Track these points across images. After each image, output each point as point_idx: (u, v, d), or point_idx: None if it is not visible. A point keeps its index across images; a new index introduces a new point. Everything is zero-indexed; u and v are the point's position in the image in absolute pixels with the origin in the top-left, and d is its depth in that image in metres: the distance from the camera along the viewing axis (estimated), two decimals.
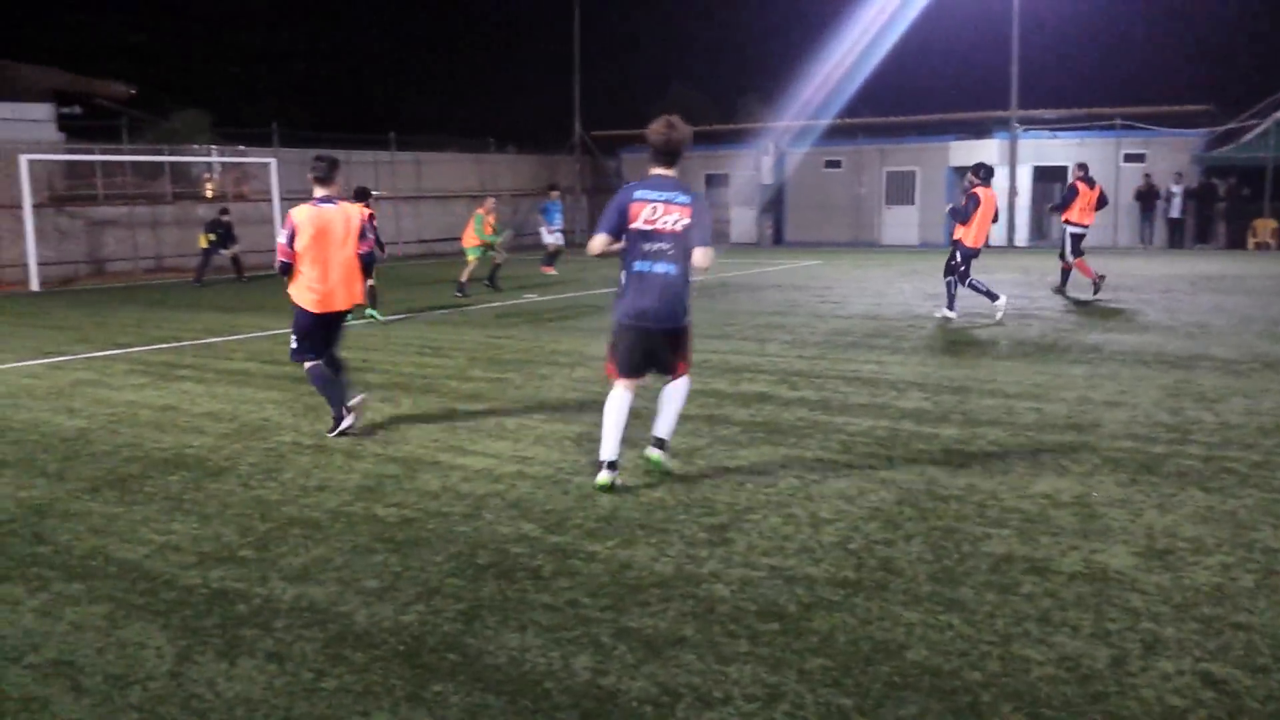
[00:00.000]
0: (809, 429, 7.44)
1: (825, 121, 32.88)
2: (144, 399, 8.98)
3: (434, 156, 32.20)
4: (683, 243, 5.89)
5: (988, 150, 31.45)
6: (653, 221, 5.87)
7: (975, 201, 13.43)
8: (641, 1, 46.38)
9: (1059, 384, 8.95)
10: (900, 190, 33.03)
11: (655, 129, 5.95)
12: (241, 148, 27.12)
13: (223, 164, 27.20)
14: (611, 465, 6.03)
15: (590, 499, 5.83)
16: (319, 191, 7.52)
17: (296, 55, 44.85)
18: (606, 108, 37.51)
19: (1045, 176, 31.98)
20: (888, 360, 10.34)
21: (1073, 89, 32.24)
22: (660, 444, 6.30)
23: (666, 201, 5.88)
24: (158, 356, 11.45)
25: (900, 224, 33.00)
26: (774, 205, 34.28)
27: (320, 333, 7.54)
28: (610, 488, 5.99)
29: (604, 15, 38.99)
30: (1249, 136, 27.77)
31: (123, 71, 32.15)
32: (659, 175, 5.97)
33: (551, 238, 21.39)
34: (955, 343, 11.39)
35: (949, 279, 13.74)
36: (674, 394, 6.25)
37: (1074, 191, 16.41)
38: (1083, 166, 17.18)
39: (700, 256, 5.86)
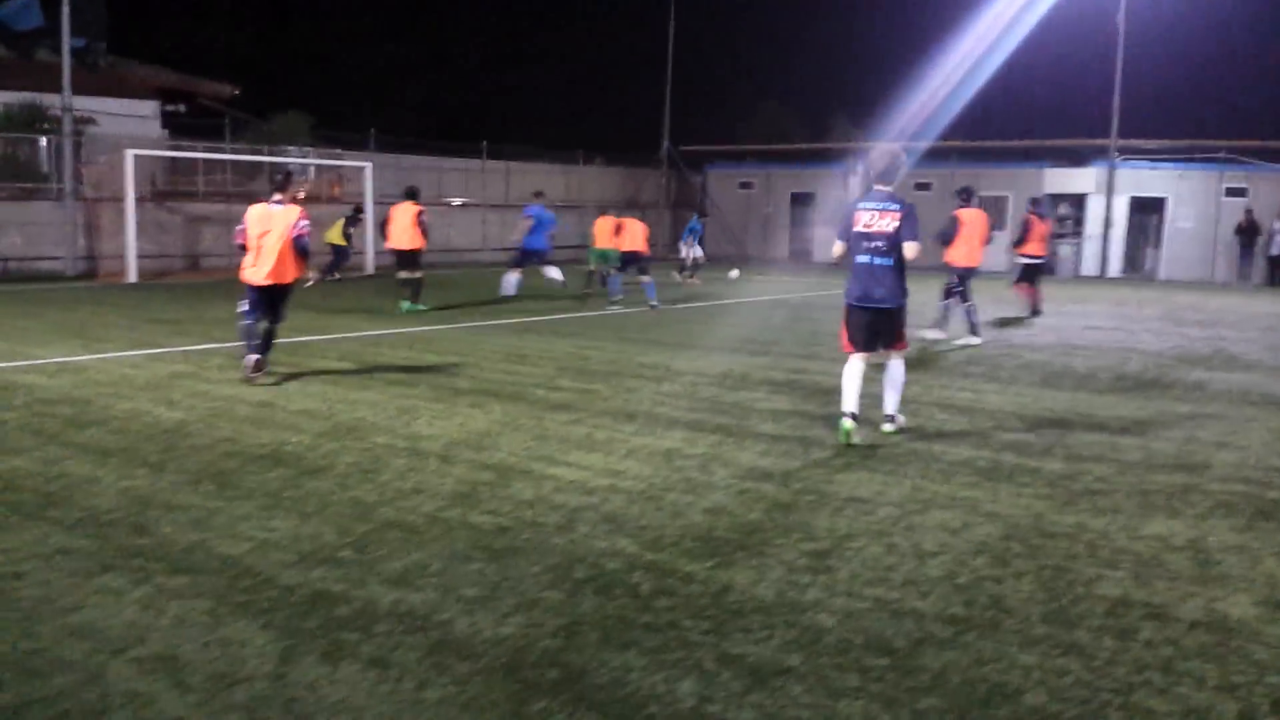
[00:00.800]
0: (906, 456, 7.26)
1: (916, 143, 32.49)
2: (240, 394, 9.12)
3: (524, 166, 32.48)
4: (894, 240, 7.43)
5: (1084, 178, 30.82)
6: (870, 226, 7.48)
7: (955, 223, 13.82)
8: (736, 20, 46.38)
9: (1163, 421, 8.65)
10: (994, 215, 32.46)
11: (877, 155, 7.81)
12: (338, 151, 27.65)
13: (318, 165, 27.75)
14: (853, 416, 7.50)
15: (685, 516, 5.75)
16: (274, 196, 9.72)
17: (396, 65, 45.73)
18: (695, 123, 37.59)
19: (1142, 207, 31.21)
20: (984, 389, 10.09)
21: (1175, 121, 31.39)
22: (890, 419, 7.84)
23: (881, 210, 7.48)
24: None
25: (992, 248, 32.41)
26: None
27: (262, 300, 9.68)
28: (849, 437, 7.47)
29: (698, 31, 39.07)
30: None
31: (227, 74, 33.04)
32: (876, 190, 7.58)
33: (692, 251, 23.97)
34: (1053, 374, 11.09)
35: (945, 301, 13.99)
36: (894, 374, 7.78)
37: (1027, 225, 16.66)
38: (1035, 201, 17.64)
39: (909, 249, 7.47)
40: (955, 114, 32.90)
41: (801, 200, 35.14)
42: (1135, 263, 32.24)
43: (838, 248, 7.72)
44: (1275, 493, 6.48)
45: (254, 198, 26.33)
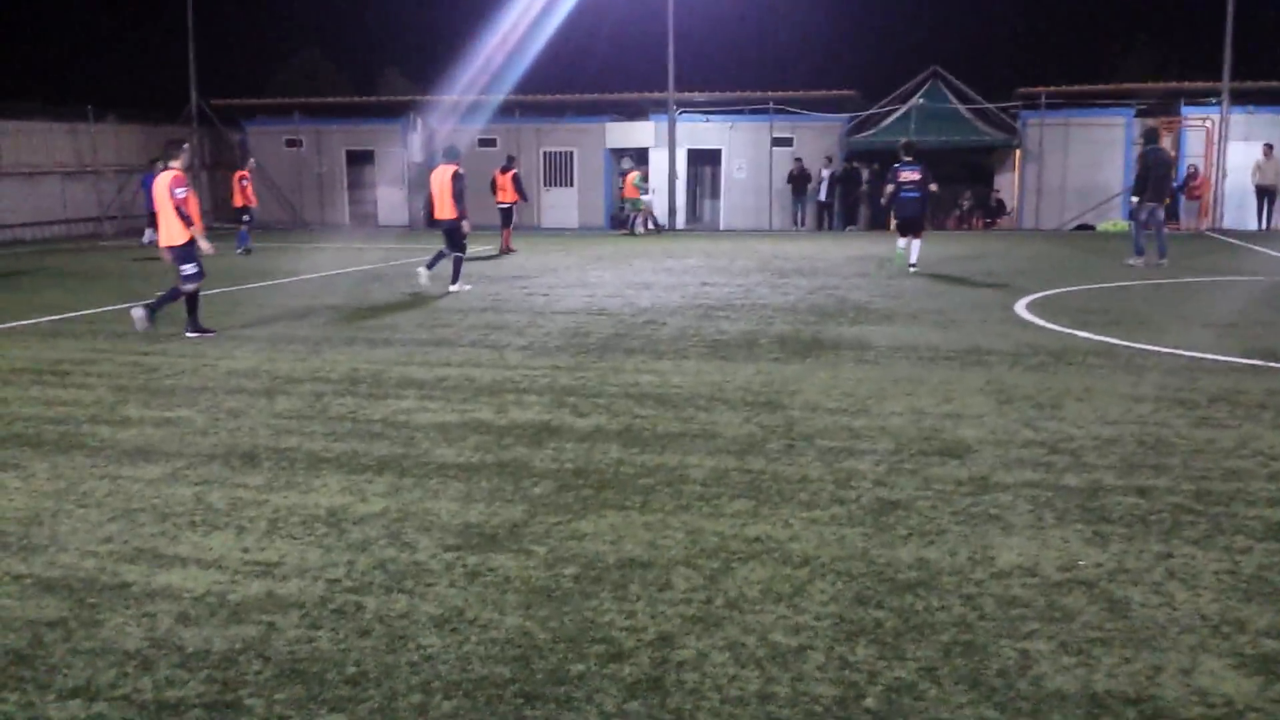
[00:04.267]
0: (640, 473, 5.62)
1: (478, 98, 30.90)
2: None
3: (16, 126, 26.83)
4: (922, 184, 16.15)
5: (645, 132, 30.93)
6: (908, 177, 16.15)
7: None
8: None
9: (866, 391, 7.71)
10: (559, 172, 31.78)
11: (906, 142, 16.94)
12: None
13: None
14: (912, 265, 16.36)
15: (406, 640, 3.68)
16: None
17: None
18: (228, 73, 33.37)
19: (699, 159, 31.96)
20: (660, 368, 8.71)
21: (727, 74, 32.38)
22: (912, 265, 16.31)
23: (911, 169, 16.17)
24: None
25: (560, 206, 31.77)
26: (425, 185, 31.84)
27: None
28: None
29: None
30: (889, 121, 29.00)
31: None
32: (907, 160, 16.26)
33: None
34: (718, 343, 9.97)
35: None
36: (916, 243, 16.40)
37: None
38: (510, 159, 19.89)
39: (933, 186, 16.35)
40: (516, 69, 31.78)
41: (359, 159, 32.36)
42: (697, 214, 33.11)
43: (889, 190, 16.63)
44: (1073, 478, 5.59)
45: None
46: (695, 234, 28.61)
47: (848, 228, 29.47)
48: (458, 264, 14.78)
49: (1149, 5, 38.58)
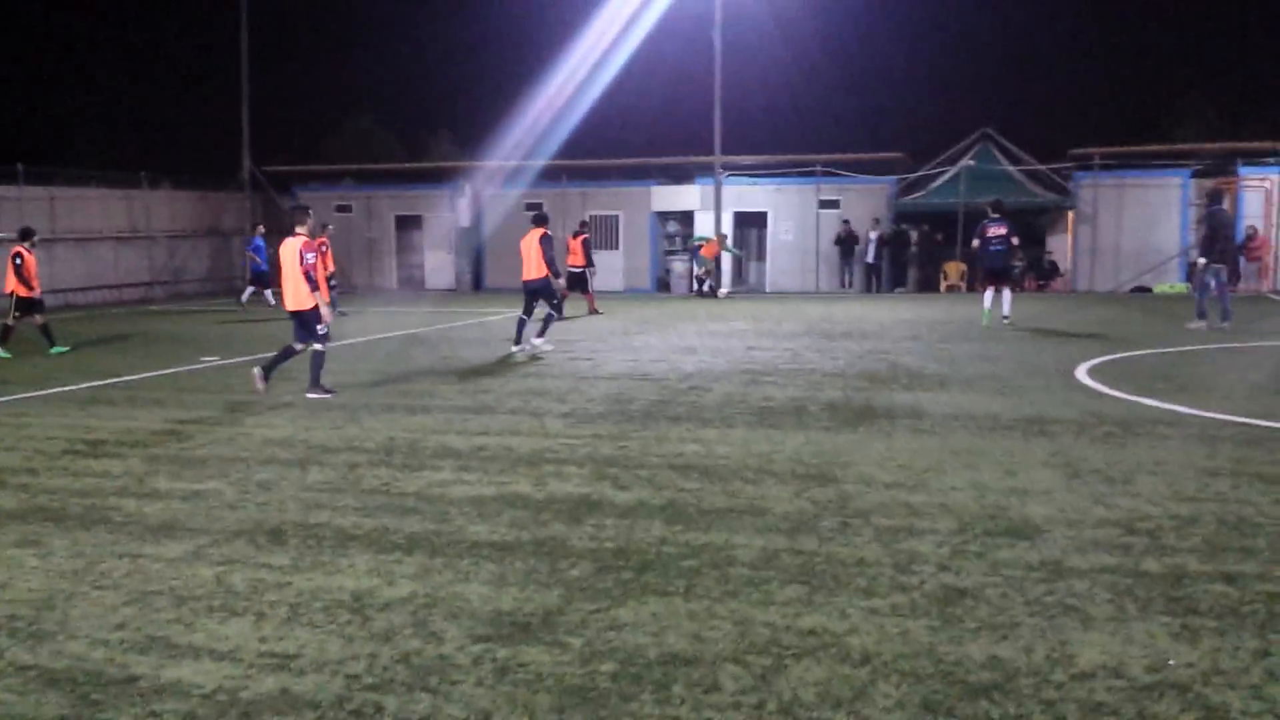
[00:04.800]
0: (684, 554, 5.28)
1: (525, 163, 31.08)
2: None
3: (73, 192, 27.33)
4: (1008, 238, 17.47)
5: (690, 195, 30.86)
6: (995, 232, 17.60)
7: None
8: (312, 23, 42.75)
9: (924, 464, 7.32)
10: (605, 235, 31.77)
11: (995, 201, 18.61)
12: None
13: None
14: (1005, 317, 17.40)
15: None
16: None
17: None
18: (278, 140, 33.89)
19: (745, 221, 31.81)
20: (705, 437, 8.38)
21: (773, 137, 32.34)
22: (1005, 318, 17.49)
23: (998, 225, 17.56)
24: None
25: (604, 269, 31.68)
26: (473, 250, 31.97)
27: None
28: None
29: (272, 37, 35.31)
30: (937, 184, 28.70)
31: None
32: (994, 217, 17.79)
33: None
34: (766, 410, 9.62)
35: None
36: (1007, 294, 17.68)
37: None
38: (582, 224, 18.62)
39: (1015, 240, 17.75)
40: (563, 134, 31.97)
41: (407, 223, 32.58)
42: (744, 276, 32.88)
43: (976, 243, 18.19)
44: (1153, 562, 5.17)
45: None
46: (742, 297, 28.34)
47: (896, 289, 29.07)
48: (548, 320, 14.98)
49: (1203, 64, 38.16)
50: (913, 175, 29.22)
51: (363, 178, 33.29)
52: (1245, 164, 27.11)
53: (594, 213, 31.62)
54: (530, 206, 31.63)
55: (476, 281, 32.03)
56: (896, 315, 20.54)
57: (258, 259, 25.13)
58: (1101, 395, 10.17)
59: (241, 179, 32.43)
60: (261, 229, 26.35)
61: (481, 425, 9.09)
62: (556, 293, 15.14)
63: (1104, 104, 37.60)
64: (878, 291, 28.63)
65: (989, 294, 17.84)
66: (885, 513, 6.08)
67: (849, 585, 4.87)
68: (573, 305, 20.24)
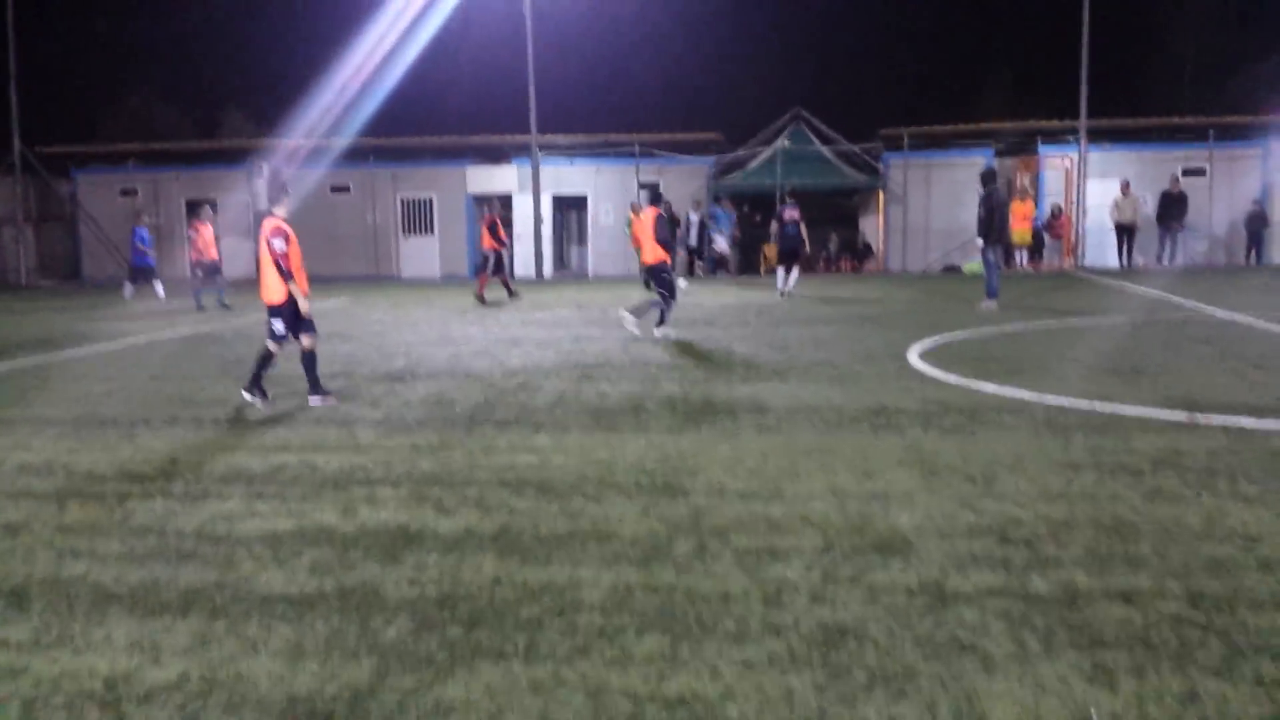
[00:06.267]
0: (522, 598, 4.49)
1: (328, 141, 29.33)
2: None
3: None
4: (800, 220, 19.76)
5: (507, 176, 29.88)
6: (791, 215, 19.64)
7: None
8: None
9: (775, 467, 6.75)
10: (418, 219, 30.40)
11: (791, 189, 21.28)
12: None
13: None
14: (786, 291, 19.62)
15: None
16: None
17: None
18: (51, 118, 30.95)
19: (565, 205, 31.05)
20: (539, 445, 7.58)
21: (589, 117, 31.57)
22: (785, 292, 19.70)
23: (793, 208, 19.59)
24: None
25: (420, 255, 30.36)
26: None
27: None
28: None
29: (39, 11, 32.15)
30: (755, 164, 28.64)
31: None
32: (791, 201, 19.94)
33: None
34: (602, 410, 8.89)
35: None
36: (795, 271, 19.88)
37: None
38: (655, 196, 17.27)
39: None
40: (369, 111, 30.36)
41: (199, 208, 30.35)
42: (564, 261, 32.13)
43: None
44: (1040, 581, 4.70)
45: None
46: (564, 282, 27.60)
47: (717, 272, 28.90)
48: (666, 306, 14.12)
49: (1006, 44, 39.53)
50: (730, 155, 29.07)
51: (148, 158, 30.78)
52: (1045, 142, 28.13)
53: (405, 195, 30.21)
54: (336, 189, 29.97)
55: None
56: (721, 300, 20.22)
57: (144, 248, 23.39)
58: (939, 381, 9.89)
59: (11, 162, 29.49)
60: (146, 218, 25.68)
61: (281, 439, 8.02)
62: (669, 276, 14.32)
63: (913, 85, 38.46)
64: (698, 275, 28.38)
65: (780, 272, 20.03)
66: (743, 530, 5.44)
67: (716, 630, 4.18)
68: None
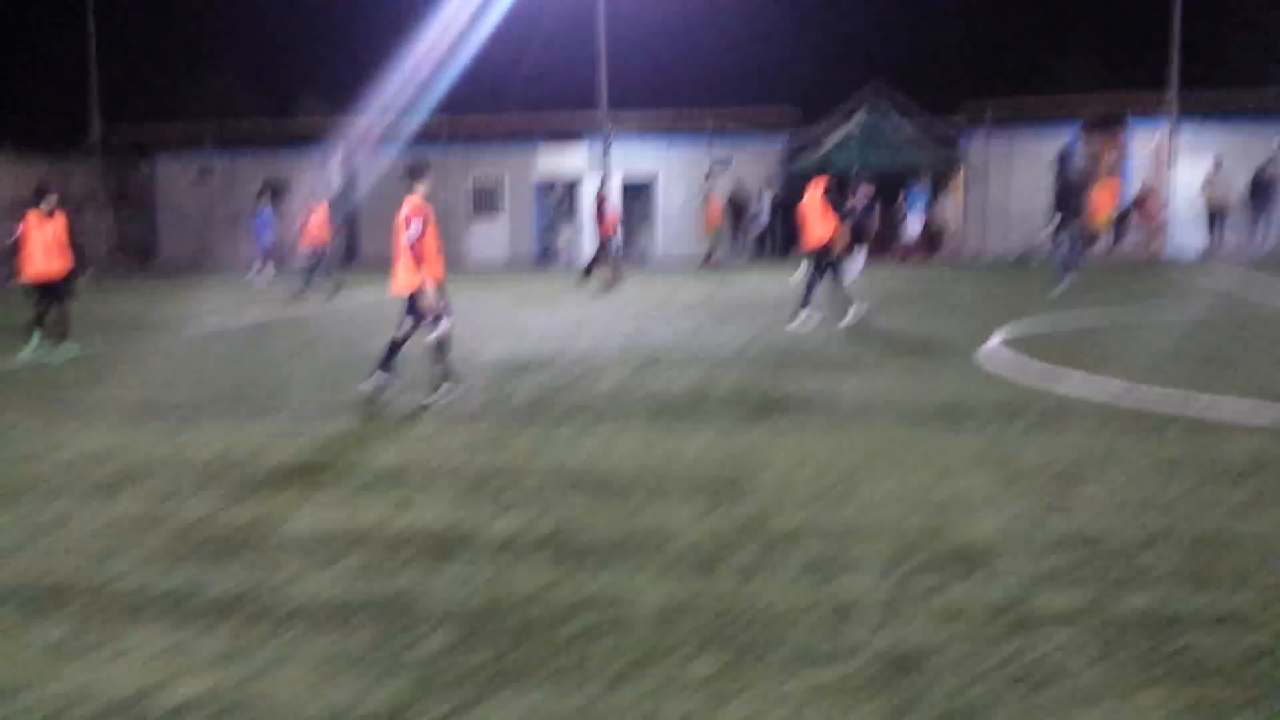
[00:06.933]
0: (571, 609, 4.23)
1: (401, 124, 29.31)
2: None
3: None
4: (873, 200, 21.75)
5: (577, 156, 29.62)
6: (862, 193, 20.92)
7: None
8: None
9: (845, 466, 6.40)
10: (487, 201, 30.32)
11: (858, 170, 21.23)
12: None
13: None
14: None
15: None
16: None
17: None
18: (131, 100, 31.41)
19: (634, 185, 30.68)
20: (598, 437, 7.33)
21: (657, 93, 31.07)
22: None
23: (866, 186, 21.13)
24: None
25: (489, 238, 30.30)
26: (347, 218, 30.15)
27: None
28: None
29: None
30: (830, 143, 27.93)
31: None
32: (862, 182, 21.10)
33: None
34: (663, 403, 8.61)
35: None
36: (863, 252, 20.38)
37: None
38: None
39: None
40: (440, 93, 30.28)
41: (275, 190, 30.59)
42: (633, 242, 31.80)
43: None
44: (1138, 597, 4.32)
45: None
46: (631, 266, 27.30)
47: (791, 253, 28.37)
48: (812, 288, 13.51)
49: (1089, 8, 38.00)
50: (805, 136, 28.42)
51: (224, 141, 31.11)
52: (1135, 117, 26.88)
53: (476, 175, 30.10)
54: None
55: (350, 252, 30.24)
56: (793, 283, 19.75)
57: (266, 231, 24.03)
58: (1019, 373, 9.43)
59: (91, 144, 30.02)
60: (268, 197, 25.51)
61: (337, 430, 7.87)
62: (828, 257, 13.43)
63: (988, 53, 37.11)
64: (770, 255, 27.87)
65: (855, 256, 19.80)
66: (810, 536, 5.12)
67: (779, 648, 3.88)
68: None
